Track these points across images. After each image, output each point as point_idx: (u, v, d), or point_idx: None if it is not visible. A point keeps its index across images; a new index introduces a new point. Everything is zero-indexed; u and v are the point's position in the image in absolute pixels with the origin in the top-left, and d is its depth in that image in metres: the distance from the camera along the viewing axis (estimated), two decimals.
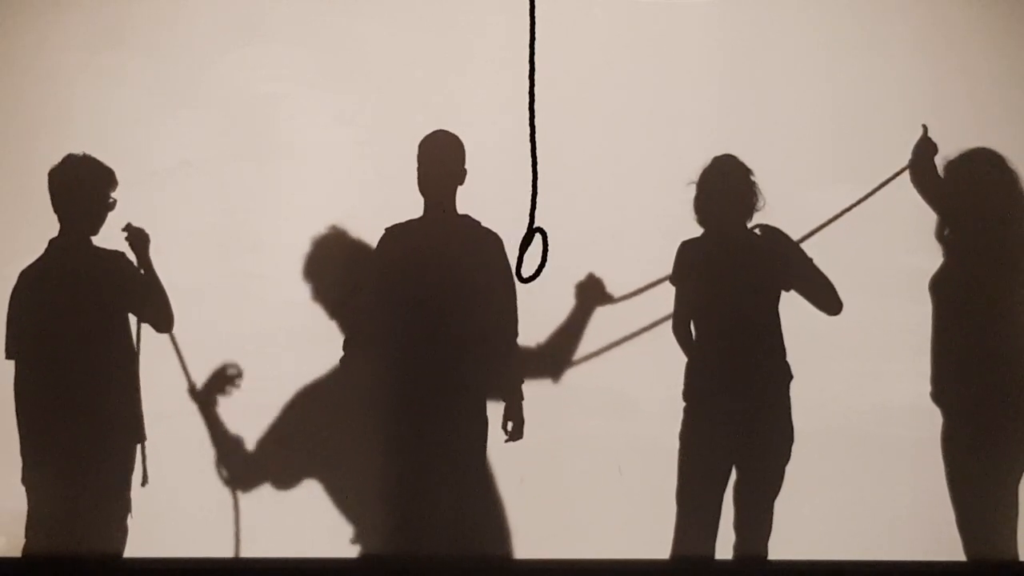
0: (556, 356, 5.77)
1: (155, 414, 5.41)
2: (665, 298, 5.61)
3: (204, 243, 5.54)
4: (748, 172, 5.45)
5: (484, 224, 5.47)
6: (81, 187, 5.34)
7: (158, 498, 5.44)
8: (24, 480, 5.31)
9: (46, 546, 5.29)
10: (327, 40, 5.89)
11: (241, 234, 5.70)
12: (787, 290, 5.45)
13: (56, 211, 5.37)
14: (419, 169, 5.49)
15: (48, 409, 5.27)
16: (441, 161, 5.46)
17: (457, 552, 5.47)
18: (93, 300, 5.30)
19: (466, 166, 5.50)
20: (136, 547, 5.36)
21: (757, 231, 5.46)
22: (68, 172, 5.35)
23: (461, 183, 5.49)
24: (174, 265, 5.56)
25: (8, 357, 5.33)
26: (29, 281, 5.34)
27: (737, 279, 5.41)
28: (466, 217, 5.50)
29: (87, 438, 5.26)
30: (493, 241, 5.44)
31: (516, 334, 5.50)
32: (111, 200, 5.35)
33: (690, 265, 5.47)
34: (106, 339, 5.32)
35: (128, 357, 5.37)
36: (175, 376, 5.55)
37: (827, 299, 5.43)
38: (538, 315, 5.70)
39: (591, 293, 5.76)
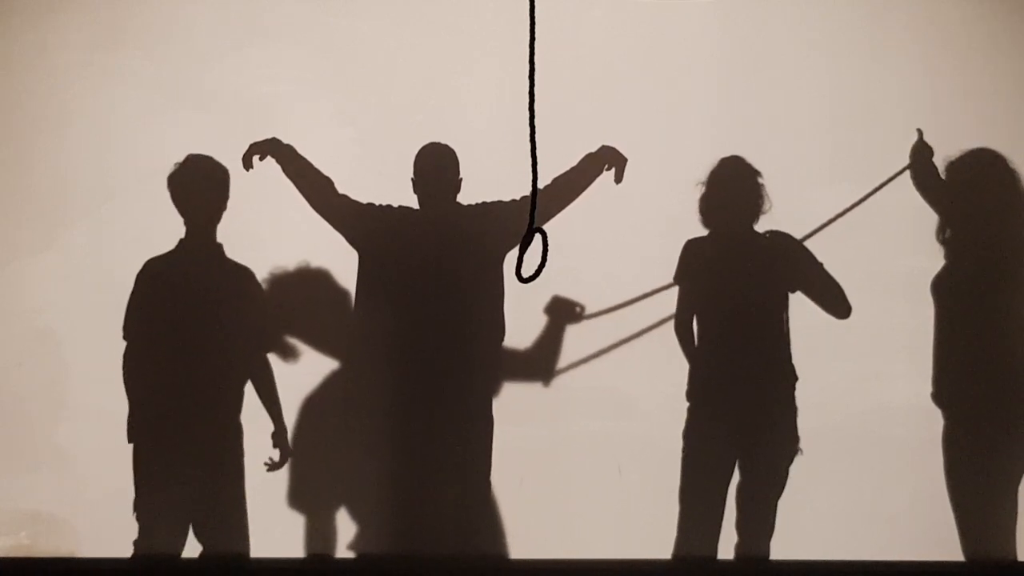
0: (556, 356, 5.77)
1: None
2: (665, 298, 5.61)
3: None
4: (756, 174, 5.46)
5: (482, 222, 5.49)
6: (207, 188, 5.42)
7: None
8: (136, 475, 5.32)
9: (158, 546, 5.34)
10: (327, 40, 5.89)
11: (241, 234, 5.70)
12: (792, 292, 5.45)
13: (183, 212, 5.41)
14: (416, 183, 5.51)
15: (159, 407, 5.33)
16: (439, 172, 5.48)
17: (457, 552, 5.47)
18: (218, 308, 5.38)
19: (467, 167, 5.52)
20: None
21: (764, 233, 5.47)
22: (194, 172, 5.41)
23: (458, 192, 5.51)
24: None
25: (125, 338, 5.35)
26: (154, 274, 5.38)
27: (741, 280, 5.42)
28: (464, 216, 5.51)
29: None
30: (491, 241, 5.45)
31: (502, 336, 5.53)
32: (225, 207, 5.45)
33: (694, 264, 5.48)
34: (218, 345, 5.39)
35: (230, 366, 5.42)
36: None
37: (836, 303, 5.43)
38: (538, 315, 5.71)
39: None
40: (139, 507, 5.30)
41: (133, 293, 5.37)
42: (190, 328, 5.33)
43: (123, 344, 5.36)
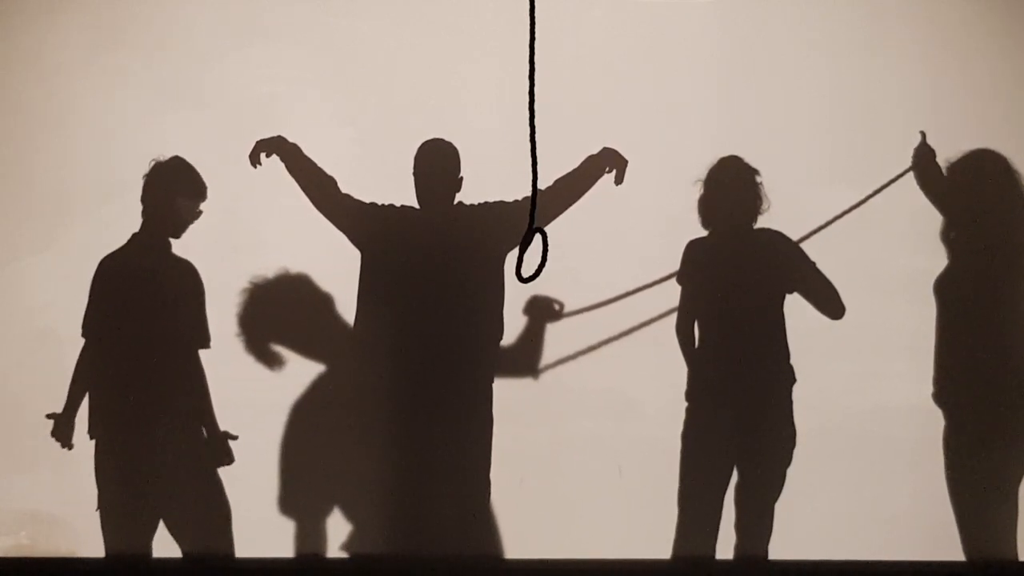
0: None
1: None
2: (665, 298, 5.61)
3: (204, 243, 5.54)
4: (755, 173, 5.46)
5: (483, 223, 5.49)
6: (176, 194, 5.42)
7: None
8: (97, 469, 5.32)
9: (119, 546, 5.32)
10: (327, 40, 5.89)
11: (241, 234, 5.70)
12: (791, 292, 5.45)
13: (145, 207, 5.43)
14: (416, 178, 5.51)
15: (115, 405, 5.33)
16: (439, 170, 5.49)
17: (457, 552, 5.47)
18: (165, 300, 5.37)
19: (467, 167, 5.52)
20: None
21: (763, 234, 5.47)
22: (167, 176, 5.43)
23: (459, 190, 5.52)
24: None
25: (84, 335, 5.38)
26: (108, 269, 5.39)
27: (741, 280, 5.42)
28: (464, 216, 5.51)
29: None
30: (491, 241, 5.46)
31: (501, 336, 5.53)
32: (199, 211, 5.43)
33: (696, 264, 5.48)
34: (171, 339, 5.38)
35: (188, 356, 5.42)
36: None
37: (830, 304, 5.43)
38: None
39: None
40: (103, 505, 5.30)
41: (92, 290, 5.39)
42: (141, 322, 5.34)
43: (82, 341, 5.39)
